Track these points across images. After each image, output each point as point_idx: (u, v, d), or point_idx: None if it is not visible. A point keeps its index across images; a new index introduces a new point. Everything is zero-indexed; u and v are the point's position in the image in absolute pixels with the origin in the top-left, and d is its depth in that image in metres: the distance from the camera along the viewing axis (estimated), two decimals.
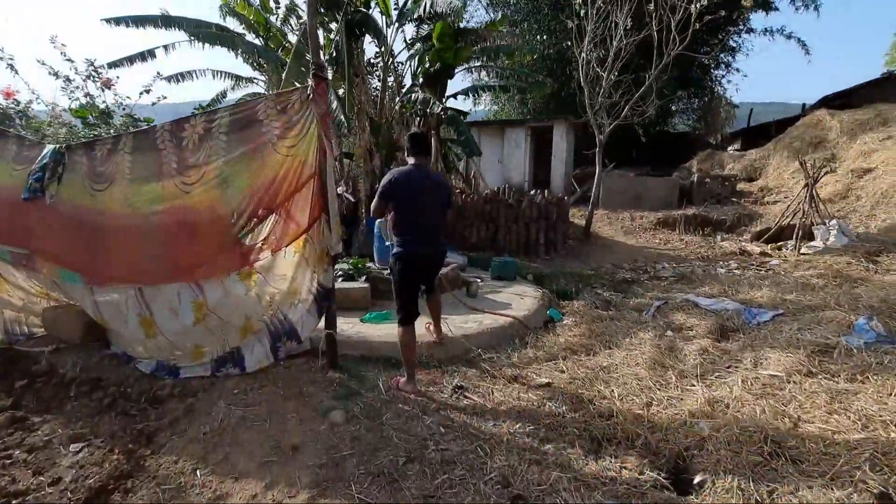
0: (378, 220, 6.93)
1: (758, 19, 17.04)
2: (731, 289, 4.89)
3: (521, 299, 4.99)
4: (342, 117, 6.38)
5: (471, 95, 7.85)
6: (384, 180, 3.12)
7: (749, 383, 2.68)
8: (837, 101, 17.60)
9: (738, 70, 18.32)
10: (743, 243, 9.00)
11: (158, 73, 6.99)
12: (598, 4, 9.13)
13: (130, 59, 7.26)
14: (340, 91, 7.00)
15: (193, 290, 3.01)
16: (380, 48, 7.89)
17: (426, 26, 8.25)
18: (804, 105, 17.58)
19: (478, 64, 8.60)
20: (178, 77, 7.99)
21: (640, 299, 5.18)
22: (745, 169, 12.89)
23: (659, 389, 2.83)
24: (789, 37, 18.25)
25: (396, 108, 8.00)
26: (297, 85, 3.02)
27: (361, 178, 7.23)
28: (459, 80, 14.16)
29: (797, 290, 4.34)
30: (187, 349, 3.12)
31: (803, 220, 8.48)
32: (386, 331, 3.76)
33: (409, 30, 8.44)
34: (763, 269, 6.89)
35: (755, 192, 11.49)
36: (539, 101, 16.35)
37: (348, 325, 3.86)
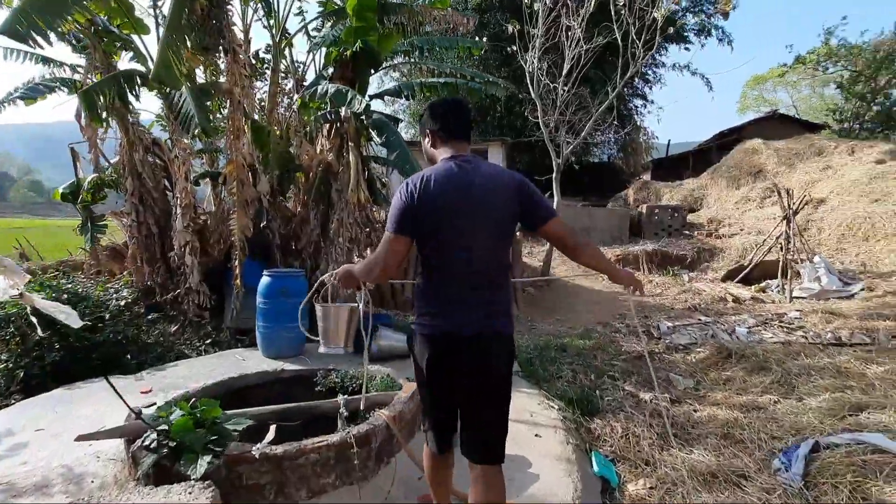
0: (267, 276, 4.17)
1: (671, 53, 17.26)
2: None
3: (534, 436, 2.70)
4: (194, 111, 3.70)
5: (404, 97, 5.61)
6: (396, 196, 1.61)
7: None
8: (732, 136, 18.55)
9: (652, 101, 18.55)
10: (724, 286, 7.68)
11: None
12: (546, 4, 7.56)
13: None
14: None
15: None
16: (267, 21, 5.37)
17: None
18: (721, 132, 18.16)
19: (404, 59, 6.40)
20: None
21: (712, 409, 3.16)
22: (685, 199, 12.18)
23: None
24: (694, 73, 18.95)
25: (295, 108, 5.46)
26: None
27: (234, 211, 4.54)
28: (374, 85, 11.93)
29: None
30: None
31: (786, 257, 7.38)
32: None
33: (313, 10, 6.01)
34: (785, 324, 5.38)
35: (706, 223, 10.62)
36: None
37: None
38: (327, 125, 5.32)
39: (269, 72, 5.85)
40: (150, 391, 3.11)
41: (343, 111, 4.97)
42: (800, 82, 28.49)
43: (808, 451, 2.32)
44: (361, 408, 2.31)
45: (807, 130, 18.25)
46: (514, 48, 7.82)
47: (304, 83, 6.25)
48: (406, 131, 16.99)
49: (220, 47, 4.23)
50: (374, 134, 5.50)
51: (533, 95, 7.82)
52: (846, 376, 3.31)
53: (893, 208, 7.97)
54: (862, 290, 6.64)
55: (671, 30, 7.99)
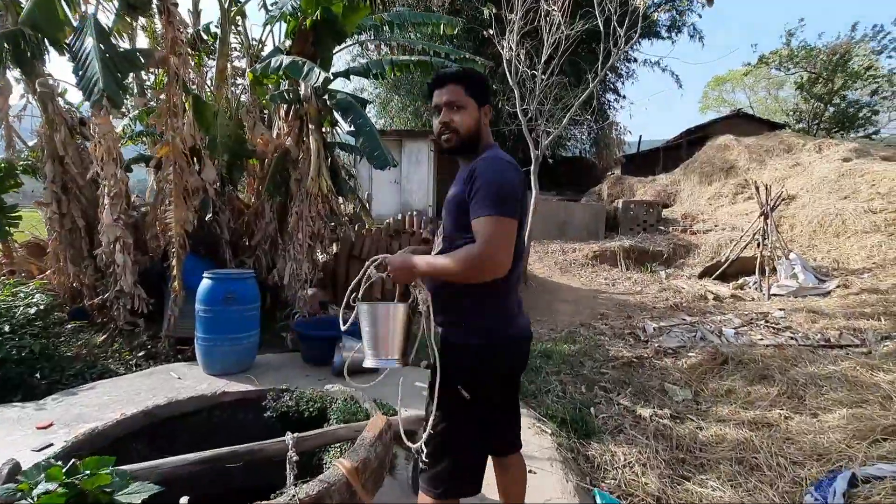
0: (208, 279, 3.46)
1: (643, 48, 17.21)
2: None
3: (528, 473, 2.27)
4: (98, 73, 3.02)
5: (372, 76, 5.05)
6: (506, 172, 1.38)
7: None
8: (698, 133, 18.86)
9: (624, 97, 18.55)
10: (703, 283, 7.54)
11: None
12: None
13: None
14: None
15: None
16: None
17: None
18: (688, 129, 18.36)
19: (373, 37, 5.82)
20: None
21: (718, 427, 2.82)
22: (659, 194, 12.11)
23: None
24: (664, 70, 19.10)
25: (246, 85, 4.82)
26: None
27: (171, 201, 3.92)
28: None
29: None
30: None
31: (764, 253, 7.28)
32: None
33: None
34: (771, 324, 5.19)
35: (680, 219, 10.54)
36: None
37: None
38: (285, 106, 4.72)
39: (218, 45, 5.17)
40: (51, 425, 2.49)
41: (302, 90, 4.38)
42: (756, 84, 29.43)
43: (846, 486, 1.98)
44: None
45: (768, 129, 18.76)
46: (491, 31, 7.36)
47: (259, 55, 5.59)
48: (377, 120, 16.28)
49: (153, 6, 3.57)
50: (339, 118, 4.93)
51: (511, 83, 7.40)
52: (857, 386, 3.05)
53: (862, 205, 8.03)
54: (837, 286, 6.59)
55: (655, 15, 7.72)
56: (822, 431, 2.60)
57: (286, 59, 4.04)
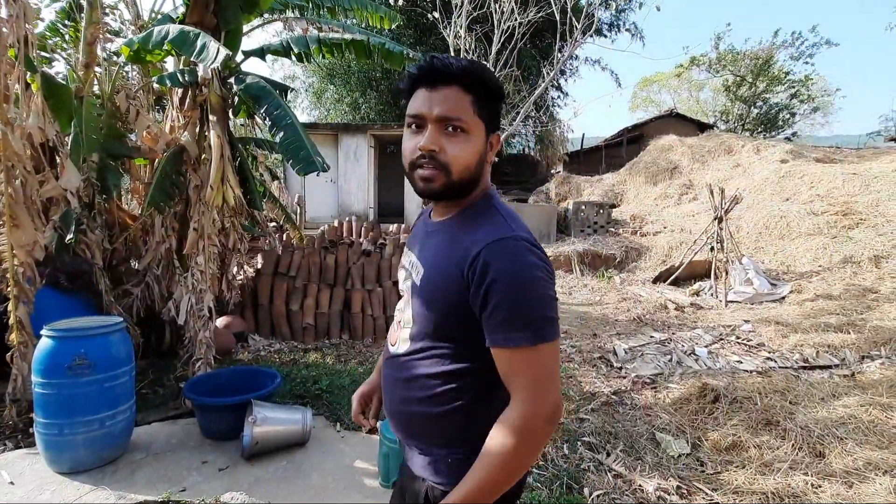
0: (48, 338, 2.26)
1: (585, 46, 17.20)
2: None
3: None
4: None
5: (294, 56, 4.10)
6: (534, 276, 0.82)
7: None
8: (636, 132, 19.32)
9: (567, 94, 18.53)
10: (660, 290, 7.27)
11: None
12: None
13: None
14: None
15: None
16: None
17: None
18: (626, 128, 18.68)
19: (297, 15, 4.85)
20: None
21: (737, 502, 2.27)
22: (606, 194, 11.96)
23: None
24: (604, 68, 19.36)
25: (122, 61, 3.72)
26: None
27: (7, 220, 2.82)
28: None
29: None
30: None
31: (718, 258, 7.12)
32: None
33: None
34: (743, 341, 4.89)
35: (629, 220, 10.38)
36: (376, 106, 13.28)
37: None
38: (179, 91, 3.68)
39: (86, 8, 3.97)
40: None
41: (200, 70, 3.38)
42: (680, 86, 30.99)
43: None
44: None
45: (698, 129, 19.51)
46: (436, 15, 6.60)
47: (146, 25, 4.43)
48: (310, 112, 14.98)
49: None
50: (256, 108, 3.95)
51: None
52: (881, 436, 2.64)
53: (805, 207, 8.15)
54: (791, 292, 6.52)
55: (598, 14, 7.32)
56: None
57: (174, 30, 3.03)
